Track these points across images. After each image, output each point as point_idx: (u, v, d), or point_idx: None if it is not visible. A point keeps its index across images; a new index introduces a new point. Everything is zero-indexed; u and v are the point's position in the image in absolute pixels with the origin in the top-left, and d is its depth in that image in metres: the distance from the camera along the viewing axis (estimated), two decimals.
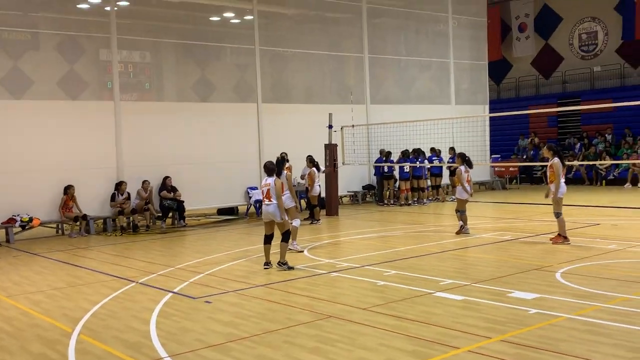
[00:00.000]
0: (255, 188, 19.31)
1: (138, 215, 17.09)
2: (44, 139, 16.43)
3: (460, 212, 13.87)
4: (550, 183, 12.24)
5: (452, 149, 21.61)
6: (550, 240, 12.24)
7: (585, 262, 10.25)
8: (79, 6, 18.10)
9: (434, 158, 21.92)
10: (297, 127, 20.39)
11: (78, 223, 16.37)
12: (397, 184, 21.39)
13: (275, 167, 10.87)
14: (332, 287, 9.18)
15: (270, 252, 10.72)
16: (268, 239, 10.68)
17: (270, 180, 10.53)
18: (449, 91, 25.16)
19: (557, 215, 12.13)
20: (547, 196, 12.42)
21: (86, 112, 17.18)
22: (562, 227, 12.14)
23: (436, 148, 22.02)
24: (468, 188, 13.88)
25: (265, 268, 10.58)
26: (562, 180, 12.14)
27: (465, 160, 14.00)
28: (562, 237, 12.09)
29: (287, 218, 10.67)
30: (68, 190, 16.32)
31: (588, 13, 30.41)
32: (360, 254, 12.02)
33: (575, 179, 26.50)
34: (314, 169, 16.86)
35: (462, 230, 13.80)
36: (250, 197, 19.29)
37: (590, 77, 30.31)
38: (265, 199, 10.54)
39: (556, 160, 12.13)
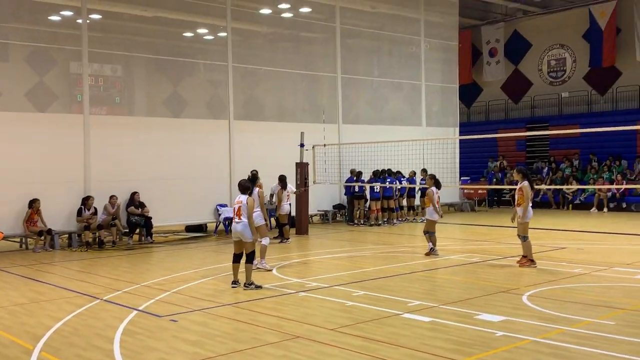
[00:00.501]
0: (224, 205, 19.19)
1: (104, 230, 16.84)
2: (10, 151, 16.13)
3: (430, 234, 13.93)
4: (517, 206, 12.33)
5: (424, 171, 21.74)
6: (517, 263, 12.35)
7: (551, 285, 10.35)
8: (50, 18, 17.94)
9: (402, 179, 22.00)
10: (269, 145, 20.36)
11: (42, 237, 16.06)
12: (367, 204, 21.43)
13: (250, 186, 10.80)
14: (300, 307, 9.12)
15: (239, 270, 10.62)
16: (237, 258, 10.59)
17: (243, 198, 10.46)
18: (420, 113, 25.39)
19: (524, 239, 12.21)
20: (513, 219, 12.54)
21: (54, 124, 16.93)
22: (529, 251, 12.25)
23: (401, 170, 21.99)
24: (439, 209, 13.96)
25: (232, 287, 10.48)
26: (530, 204, 12.25)
27: (436, 182, 14.10)
28: (529, 260, 12.20)
29: (257, 237, 10.54)
30: (33, 204, 16.03)
31: (557, 40, 31.03)
32: (330, 273, 11.98)
33: (542, 203, 26.84)
34: (283, 187, 16.83)
35: (431, 252, 13.85)
36: (219, 215, 19.14)
37: (559, 102, 30.87)
38: (235, 217, 10.46)
39: (526, 183, 12.22)
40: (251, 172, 15.19)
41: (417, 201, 22.86)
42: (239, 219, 10.36)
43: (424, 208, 15.02)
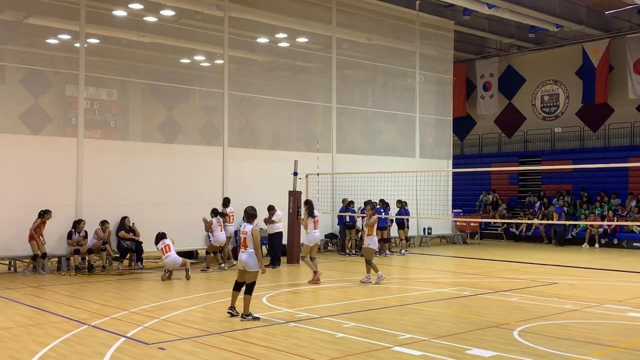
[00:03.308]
0: None
1: (94, 255, 16.70)
2: (2, 173, 16.03)
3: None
4: (368, 235, 14.55)
5: (399, 202, 21.75)
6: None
7: (543, 321, 10.31)
8: (47, 41, 18.01)
9: (381, 210, 21.59)
10: (262, 172, 20.36)
11: (28, 261, 15.90)
12: (359, 234, 21.37)
13: (256, 214, 10.70)
14: (290, 337, 9.04)
15: (237, 298, 10.49)
16: (238, 286, 10.46)
17: (249, 228, 10.37)
18: (414, 144, 25.49)
19: (368, 262, 14.47)
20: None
21: (48, 147, 16.87)
22: (368, 270, 14.40)
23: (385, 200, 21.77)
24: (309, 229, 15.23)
25: (228, 313, 10.37)
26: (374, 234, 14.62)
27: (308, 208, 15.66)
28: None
29: (263, 268, 10.45)
30: (45, 214, 15.88)
31: (550, 76, 31.35)
32: (320, 304, 11.90)
33: (534, 237, 26.91)
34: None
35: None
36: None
37: (551, 137, 31.08)
38: (241, 247, 10.37)
39: (375, 217, 14.58)
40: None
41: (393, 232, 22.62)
42: (245, 249, 10.29)
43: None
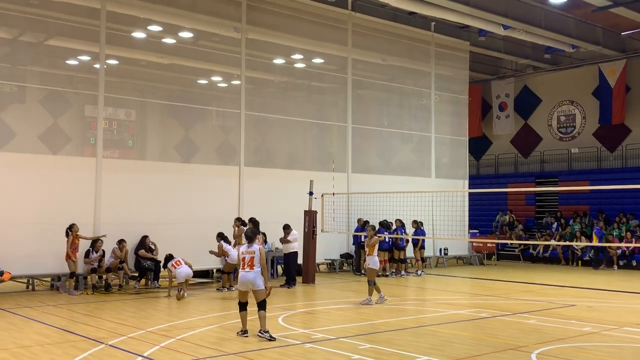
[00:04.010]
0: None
1: (112, 274, 16.80)
2: (22, 192, 16.23)
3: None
4: (369, 255, 14.61)
5: (415, 222, 21.78)
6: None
7: (561, 343, 10.21)
8: (67, 62, 18.27)
9: (402, 230, 21.43)
10: (278, 191, 20.42)
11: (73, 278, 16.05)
12: None
13: (255, 236, 10.75)
14: (305, 358, 9.02)
15: (247, 318, 10.50)
16: (243, 306, 10.49)
17: (255, 247, 10.42)
18: (430, 164, 25.47)
19: (370, 283, 14.28)
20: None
21: (67, 167, 17.05)
22: (370, 292, 14.26)
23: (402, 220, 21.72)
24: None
25: (243, 336, 10.35)
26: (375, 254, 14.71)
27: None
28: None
29: (270, 285, 10.47)
30: (72, 228, 15.99)
31: (566, 96, 31.27)
32: (336, 325, 11.86)
33: (551, 258, 26.70)
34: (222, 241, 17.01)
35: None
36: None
37: (568, 158, 30.93)
38: (246, 267, 10.37)
39: (376, 237, 14.74)
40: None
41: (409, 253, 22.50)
42: (251, 269, 10.30)
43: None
